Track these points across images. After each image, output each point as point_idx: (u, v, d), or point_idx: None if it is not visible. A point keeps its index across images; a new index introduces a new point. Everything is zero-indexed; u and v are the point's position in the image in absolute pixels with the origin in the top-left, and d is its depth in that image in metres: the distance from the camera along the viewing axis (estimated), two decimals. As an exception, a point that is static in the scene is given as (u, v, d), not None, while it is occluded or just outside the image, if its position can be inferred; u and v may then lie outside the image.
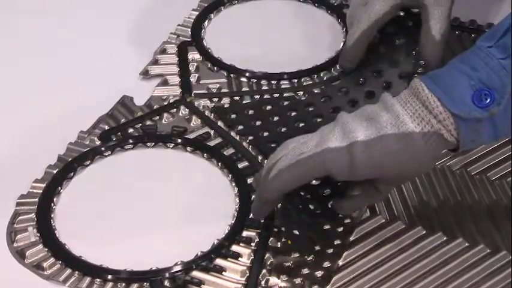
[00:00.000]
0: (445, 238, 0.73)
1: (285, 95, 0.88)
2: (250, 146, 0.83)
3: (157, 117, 0.86)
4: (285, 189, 0.69)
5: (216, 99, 0.88)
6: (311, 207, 0.75)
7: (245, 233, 0.74)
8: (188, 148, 0.82)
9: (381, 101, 0.69)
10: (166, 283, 0.71)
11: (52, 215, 0.76)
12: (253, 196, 0.76)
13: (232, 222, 0.75)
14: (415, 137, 0.66)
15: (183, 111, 0.87)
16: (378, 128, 0.66)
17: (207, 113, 0.86)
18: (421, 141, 0.66)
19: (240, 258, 0.72)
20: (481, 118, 0.65)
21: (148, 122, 0.85)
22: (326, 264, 0.72)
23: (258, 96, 0.88)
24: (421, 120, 0.66)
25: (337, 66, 0.91)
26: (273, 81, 0.90)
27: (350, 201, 0.72)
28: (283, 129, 0.84)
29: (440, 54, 0.87)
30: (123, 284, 0.71)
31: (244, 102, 0.88)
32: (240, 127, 0.85)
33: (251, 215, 0.75)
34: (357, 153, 0.66)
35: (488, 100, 0.64)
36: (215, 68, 0.92)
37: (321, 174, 0.68)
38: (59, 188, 0.78)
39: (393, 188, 0.75)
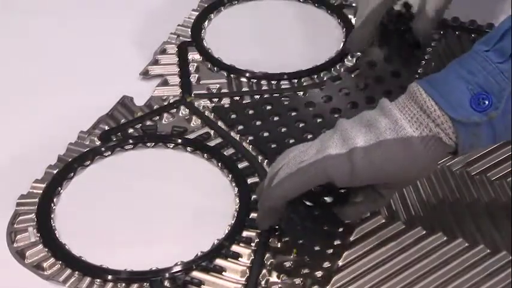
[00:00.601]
0: (445, 238, 0.73)
1: (285, 95, 0.88)
2: (251, 146, 0.83)
3: (158, 117, 0.86)
4: (287, 197, 0.69)
5: (216, 100, 0.88)
6: (313, 211, 0.75)
7: (245, 233, 0.74)
8: (188, 148, 0.82)
9: (379, 106, 0.69)
10: (167, 283, 0.71)
11: (52, 215, 0.76)
12: (253, 196, 0.77)
13: (232, 222, 0.75)
14: (414, 142, 0.66)
15: (183, 111, 0.87)
16: (377, 134, 0.67)
17: (207, 113, 0.86)
18: (420, 145, 0.66)
19: (240, 259, 0.72)
20: (479, 122, 0.65)
21: (148, 122, 0.85)
22: (326, 264, 0.72)
23: (258, 96, 0.88)
24: (419, 124, 0.66)
25: (337, 66, 0.92)
26: (273, 82, 0.90)
27: (353, 208, 0.72)
28: (283, 129, 0.84)
29: (430, 31, 0.88)
30: (123, 284, 0.71)
31: (244, 102, 0.88)
32: (240, 127, 0.85)
33: (251, 215, 0.75)
34: (357, 159, 0.66)
35: (486, 104, 0.65)
36: (215, 68, 0.92)
37: (322, 182, 0.68)
38: (59, 188, 0.78)
39: (395, 192, 0.75)
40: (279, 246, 0.73)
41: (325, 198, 0.75)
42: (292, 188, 0.69)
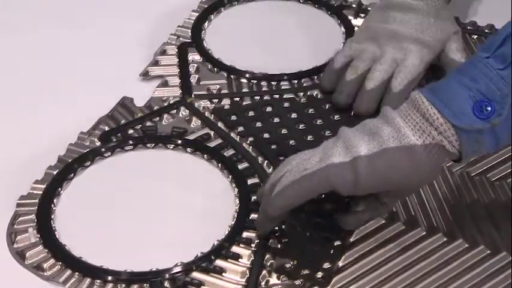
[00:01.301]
0: (445, 239, 0.73)
1: (285, 96, 0.88)
2: (251, 147, 0.83)
3: (158, 118, 0.86)
4: (289, 205, 0.69)
5: (216, 100, 0.88)
6: (314, 218, 0.75)
7: (245, 234, 0.74)
8: (188, 149, 0.82)
9: (381, 114, 0.69)
10: (167, 284, 0.71)
11: (52, 216, 0.76)
12: (253, 197, 0.77)
13: (232, 223, 0.75)
14: (417, 150, 0.66)
15: (183, 112, 0.87)
16: (380, 142, 0.67)
17: (207, 114, 0.86)
18: (423, 153, 0.66)
19: (240, 259, 0.72)
20: (482, 129, 0.65)
21: (148, 123, 0.85)
22: (326, 265, 0.72)
23: (258, 97, 0.88)
24: (422, 132, 0.66)
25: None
26: (273, 82, 0.90)
27: (355, 217, 0.72)
28: (284, 131, 0.84)
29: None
30: (123, 285, 0.71)
31: (244, 103, 0.88)
32: (240, 128, 0.85)
33: (251, 216, 0.75)
34: (360, 167, 0.66)
35: (489, 111, 0.65)
36: (215, 69, 0.92)
37: (326, 190, 0.68)
38: (59, 189, 0.78)
39: (398, 201, 0.75)
40: (279, 247, 0.73)
41: (326, 205, 0.75)
42: (295, 196, 0.69)
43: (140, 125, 0.85)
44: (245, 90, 0.89)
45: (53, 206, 0.77)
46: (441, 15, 0.88)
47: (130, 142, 0.83)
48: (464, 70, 0.66)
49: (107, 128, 0.85)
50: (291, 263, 0.72)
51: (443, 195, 0.77)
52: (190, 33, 0.97)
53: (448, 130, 0.65)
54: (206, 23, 0.98)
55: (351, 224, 0.73)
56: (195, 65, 0.93)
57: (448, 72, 0.69)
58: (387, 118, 0.68)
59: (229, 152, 0.82)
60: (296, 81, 0.90)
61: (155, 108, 0.87)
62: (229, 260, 0.72)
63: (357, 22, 0.97)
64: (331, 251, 0.73)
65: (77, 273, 0.71)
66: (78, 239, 0.74)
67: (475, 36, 0.96)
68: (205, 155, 0.82)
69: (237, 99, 0.88)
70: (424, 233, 0.74)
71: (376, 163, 0.66)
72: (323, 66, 0.91)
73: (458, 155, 0.67)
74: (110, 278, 0.71)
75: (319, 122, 0.85)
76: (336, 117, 0.86)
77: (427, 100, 0.66)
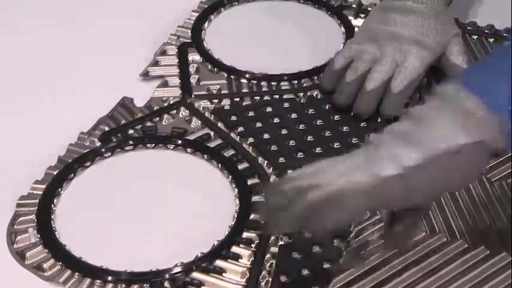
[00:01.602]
0: (445, 239, 0.74)
1: (285, 96, 0.88)
2: (251, 148, 0.83)
3: (158, 118, 0.86)
4: (333, 227, 0.64)
5: (216, 101, 0.88)
6: None
7: (245, 234, 0.74)
8: (188, 149, 0.82)
9: (414, 116, 0.64)
10: (167, 284, 0.71)
11: (52, 216, 0.76)
12: (253, 198, 0.77)
13: (233, 223, 0.75)
14: (461, 150, 0.62)
15: (183, 112, 0.87)
16: (423, 149, 0.62)
17: (207, 114, 0.86)
18: (468, 152, 0.62)
19: (240, 260, 0.72)
20: None
21: (148, 123, 0.85)
22: (326, 265, 0.72)
23: (258, 98, 0.88)
24: (464, 130, 0.62)
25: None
26: (273, 83, 0.90)
27: (395, 239, 0.69)
28: (284, 131, 0.84)
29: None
30: (123, 285, 0.71)
31: (244, 103, 0.88)
32: (241, 128, 0.85)
33: (251, 216, 0.75)
34: (409, 178, 0.62)
35: None
36: (215, 69, 0.92)
37: (377, 208, 0.66)
38: (59, 189, 0.78)
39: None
40: (279, 247, 0.73)
41: None
42: (342, 217, 0.64)
43: (140, 125, 0.85)
44: (245, 90, 0.90)
45: (53, 206, 0.77)
46: (441, 17, 0.88)
47: (131, 142, 0.83)
48: (502, 59, 0.63)
49: (107, 128, 0.85)
50: (291, 263, 0.72)
51: (443, 195, 0.77)
52: (190, 34, 0.97)
53: (491, 124, 0.61)
54: (206, 23, 0.98)
55: (393, 246, 0.71)
56: (195, 65, 0.93)
57: (452, 76, 0.68)
58: (425, 120, 0.63)
59: (229, 152, 0.82)
60: (296, 82, 0.90)
61: (155, 108, 0.87)
62: (229, 260, 0.72)
63: (357, 22, 0.97)
64: (331, 252, 0.73)
65: (77, 273, 0.71)
66: (78, 239, 0.74)
67: (475, 37, 0.96)
68: (205, 155, 0.82)
69: (237, 99, 0.88)
70: (424, 233, 0.74)
71: (423, 172, 0.62)
72: (323, 66, 0.91)
73: (499, 149, 0.63)
74: (110, 278, 0.71)
75: (319, 122, 0.85)
76: (336, 117, 0.86)
77: (465, 93, 0.62)
